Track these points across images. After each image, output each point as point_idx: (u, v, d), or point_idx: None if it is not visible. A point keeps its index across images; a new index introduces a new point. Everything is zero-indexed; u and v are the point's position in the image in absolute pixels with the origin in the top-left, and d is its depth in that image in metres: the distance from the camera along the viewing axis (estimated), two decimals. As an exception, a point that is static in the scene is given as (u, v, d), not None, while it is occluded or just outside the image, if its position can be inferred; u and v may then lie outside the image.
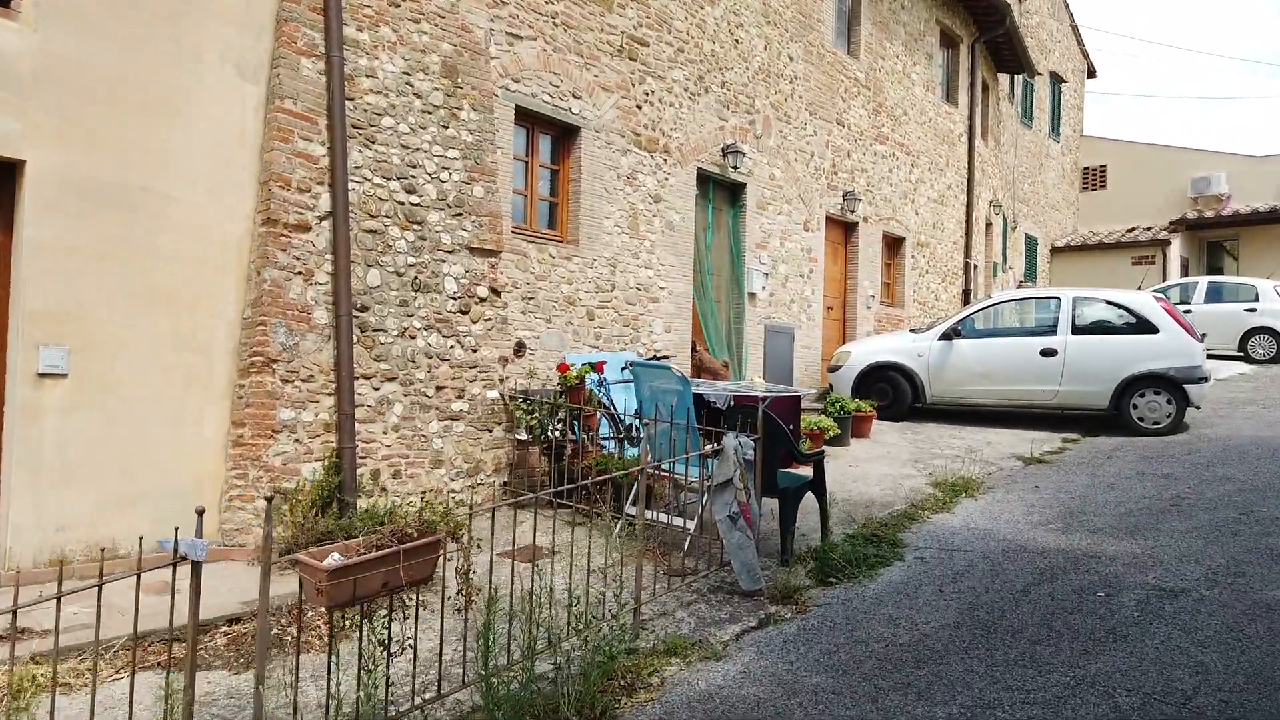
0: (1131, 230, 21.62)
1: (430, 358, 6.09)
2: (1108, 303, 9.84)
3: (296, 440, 5.33)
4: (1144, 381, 9.25)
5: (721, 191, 9.82)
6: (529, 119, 7.45)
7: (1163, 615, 4.29)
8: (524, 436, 6.43)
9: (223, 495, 5.24)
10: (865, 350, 10.61)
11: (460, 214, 6.39)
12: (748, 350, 9.94)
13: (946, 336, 10.15)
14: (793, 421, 6.00)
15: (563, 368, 6.24)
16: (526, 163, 7.55)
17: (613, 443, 6.64)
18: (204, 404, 5.24)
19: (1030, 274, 20.53)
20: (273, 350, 5.27)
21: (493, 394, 6.43)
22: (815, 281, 11.35)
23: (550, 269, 7.45)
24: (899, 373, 10.27)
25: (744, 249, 9.85)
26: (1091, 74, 24.61)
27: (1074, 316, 9.69)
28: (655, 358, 7.88)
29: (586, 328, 7.82)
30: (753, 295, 10.03)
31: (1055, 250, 21.94)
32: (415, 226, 6.09)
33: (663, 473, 5.72)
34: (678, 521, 5.55)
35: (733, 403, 6.24)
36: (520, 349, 7.17)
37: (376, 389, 5.77)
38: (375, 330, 5.80)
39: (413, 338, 6.00)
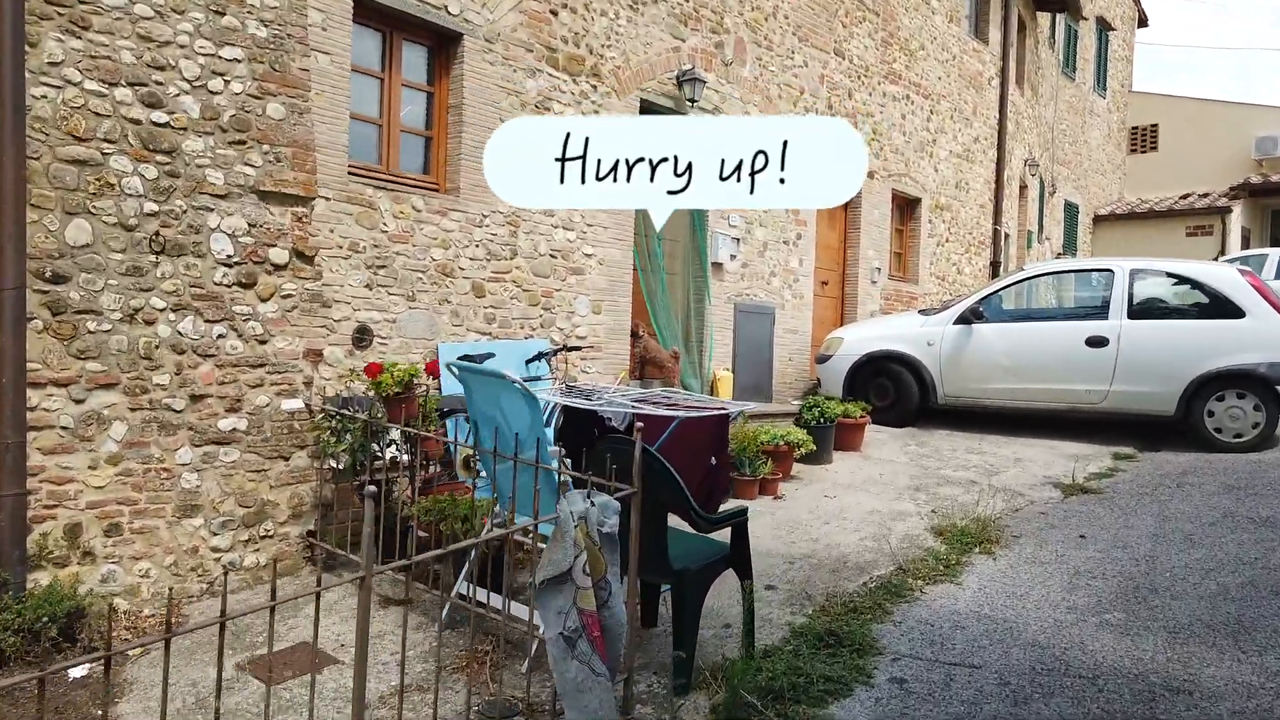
0: (1186, 197, 19.05)
1: (181, 353, 4.14)
2: (1175, 277, 7.65)
3: (-81, 484, 3.42)
4: (1223, 381, 7.09)
5: (679, 133, 7.68)
6: (385, 19, 5.42)
7: None
8: (341, 466, 4.48)
9: None
10: (861, 336, 8.50)
11: (243, 142, 4.39)
12: (712, 336, 7.89)
13: (964, 320, 8.02)
14: (716, 451, 3.97)
15: (372, 370, 4.25)
16: (382, 80, 5.53)
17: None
18: None
19: (1070, 245, 18.11)
20: (-125, 344, 3.35)
21: (292, 404, 4.47)
22: (804, 250, 9.23)
23: (415, 226, 5.45)
24: (903, 365, 8.17)
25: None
26: (1143, 22, 21.95)
27: (1131, 295, 7.52)
28: (566, 348, 5.88)
29: (472, 308, 5.82)
30: (718, 266, 7.95)
31: (1099, 219, 19.46)
32: (161, 157, 4.10)
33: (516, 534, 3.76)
34: (521, 612, 3.59)
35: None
36: (364, 338, 5.20)
37: (79, 401, 3.83)
38: (80, 312, 3.85)
39: (150, 323, 4.04)
